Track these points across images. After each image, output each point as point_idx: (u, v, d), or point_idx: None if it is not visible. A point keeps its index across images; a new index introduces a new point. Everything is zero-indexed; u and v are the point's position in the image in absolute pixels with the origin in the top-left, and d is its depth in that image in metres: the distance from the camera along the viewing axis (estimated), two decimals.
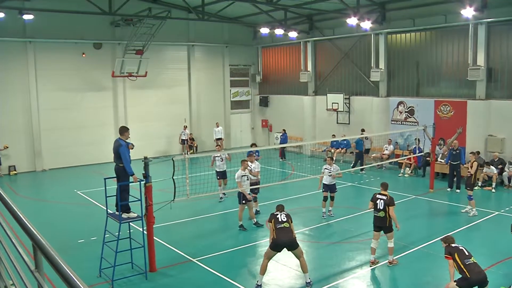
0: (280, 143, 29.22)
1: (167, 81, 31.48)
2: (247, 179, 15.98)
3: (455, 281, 9.34)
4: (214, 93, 33.75)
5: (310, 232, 15.62)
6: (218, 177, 19.45)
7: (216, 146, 19.32)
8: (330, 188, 16.98)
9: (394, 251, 12.78)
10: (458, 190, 20.66)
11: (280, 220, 11.11)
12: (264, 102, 34.87)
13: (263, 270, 11.15)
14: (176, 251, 13.73)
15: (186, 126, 31.25)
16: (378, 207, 12.37)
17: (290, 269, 12.49)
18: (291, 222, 11.23)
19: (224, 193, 19.31)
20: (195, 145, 31.74)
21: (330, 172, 16.57)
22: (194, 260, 12.99)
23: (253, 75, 35.59)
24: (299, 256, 11.25)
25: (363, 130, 25.78)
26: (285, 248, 11.04)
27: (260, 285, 11.18)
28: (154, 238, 12.34)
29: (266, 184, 18.80)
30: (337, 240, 14.77)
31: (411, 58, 25.79)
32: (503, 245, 13.60)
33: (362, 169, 24.71)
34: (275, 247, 11.00)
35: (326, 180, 16.96)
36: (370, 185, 22.27)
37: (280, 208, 11.70)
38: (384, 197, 12.43)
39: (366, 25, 24.76)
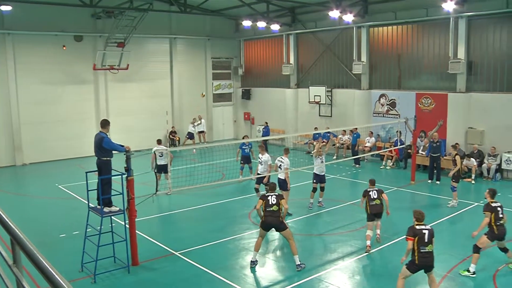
0: (262, 136, 29.22)
1: (149, 74, 31.28)
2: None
3: (406, 264, 9.77)
4: (196, 86, 33.61)
5: (292, 224, 15.66)
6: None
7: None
8: (320, 179, 17.06)
9: (375, 242, 13.23)
10: (438, 182, 20.91)
11: (270, 203, 11.70)
12: (246, 95, 34.83)
13: (257, 247, 12.00)
14: (159, 245, 13.69)
15: (195, 120, 31.22)
16: (372, 197, 13.17)
17: (273, 261, 12.55)
18: (281, 200, 11.82)
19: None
20: (178, 138, 31.61)
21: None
22: (176, 253, 12.97)
23: (235, 68, 35.52)
24: (288, 238, 11.83)
25: (355, 129, 25.83)
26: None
27: (254, 261, 11.98)
28: (136, 231, 12.30)
29: (247, 178, 18.81)
30: (319, 232, 14.85)
31: (393, 51, 25.92)
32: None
33: (357, 163, 24.85)
34: (264, 227, 11.82)
35: (317, 170, 17.06)
36: (352, 177, 22.43)
37: (272, 187, 12.37)
38: (376, 189, 13.46)
39: (348, 18, 24.81)
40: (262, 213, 11.82)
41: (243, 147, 21.05)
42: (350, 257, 12.67)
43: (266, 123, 30.99)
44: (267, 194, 12.06)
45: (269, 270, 12.06)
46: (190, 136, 29.97)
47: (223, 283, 11.16)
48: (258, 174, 16.72)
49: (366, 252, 12.84)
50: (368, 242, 12.98)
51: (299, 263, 11.72)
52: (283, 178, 16.06)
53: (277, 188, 13.52)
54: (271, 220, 11.65)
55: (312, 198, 17.11)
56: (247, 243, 14.07)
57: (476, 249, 11.28)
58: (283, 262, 12.62)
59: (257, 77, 34.62)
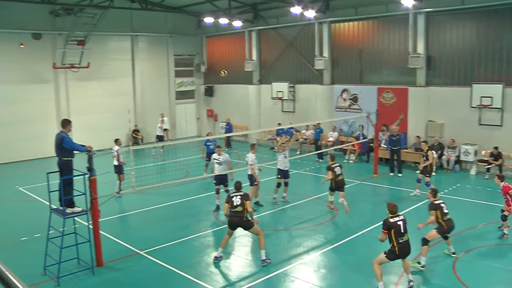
0: (225, 133, 29.16)
1: (110, 72, 30.85)
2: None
3: (385, 253, 10.06)
4: (158, 84, 33.35)
5: (258, 219, 15.74)
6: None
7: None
8: (284, 174, 17.18)
9: (339, 236, 13.56)
10: (400, 174, 21.36)
11: (234, 204, 11.86)
12: (209, 92, 34.74)
13: (223, 244, 12.18)
14: (123, 244, 13.56)
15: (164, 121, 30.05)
16: (337, 173, 15.42)
17: (239, 257, 12.59)
18: (246, 201, 11.89)
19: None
20: (140, 137, 31.33)
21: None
22: (141, 252, 12.88)
23: (197, 65, 35.36)
24: (257, 234, 12.16)
25: (318, 124, 25.99)
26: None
27: (218, 257, 12.17)
28: (100, 232, 12.15)
29: (212, 175, 18.76)
30: (284, 227, 14.95)
31: (354, 46, 26.21)
32: None
33: (320, 158, 25.01)
34: (230, 226, 12.04)
35: (281, 165, 17.19)
36: (316, 172, 22.64)
37: (238, 186, 12.47)
38: (338, 164, 15.63)
39: (310, 14, 24.95)
40: (228, 215, 12.09)
41: (208, 143, 21.01)
42: (315, 251, 12.81)
43: (228, 119, 30.98)
44: (232, 194, 12.18)
45: (235, 266, 12.11)
46: (160, 138, 29.21)
47: (189, 281, 11.15)
48: (216, 174, 16.41)
49: (330, 210, 15.70)
50: (331, 204, 15.96)
51: (264, 258, 11.83)
52: (250, 173, 16.37)
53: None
54: (236, 220, 11.85)
55: (276, 193, 17.22)
56: (212, 240, 14.10)
57: (425, 242, 11.57)
58: (249, 257, 12.67)
59: (219, 74, 34.46)
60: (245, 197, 11.99)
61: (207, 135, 22.16)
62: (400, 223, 9.97)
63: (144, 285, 11.16)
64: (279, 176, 17.27)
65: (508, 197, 13.24)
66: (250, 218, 12.06)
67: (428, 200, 12.32)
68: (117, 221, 16.12)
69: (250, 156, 16.56)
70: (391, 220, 9.98)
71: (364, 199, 18.25)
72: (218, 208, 16.42)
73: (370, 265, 11.12)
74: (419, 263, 11.50)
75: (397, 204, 10.33)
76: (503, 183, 13.41)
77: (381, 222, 10.05)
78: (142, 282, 11.27)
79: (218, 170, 16.31)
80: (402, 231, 9.94)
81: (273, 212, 16.50)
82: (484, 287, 10.52)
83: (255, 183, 16.46)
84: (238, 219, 11.82)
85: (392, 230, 9.88)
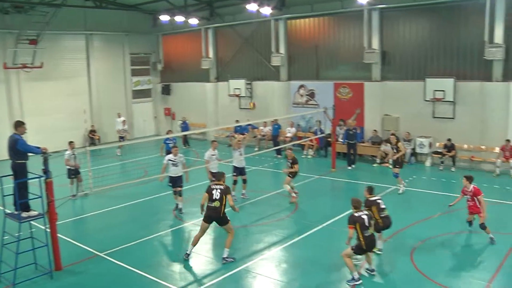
0: (182, 131, 28.92)
1: (65, 72, 30.14)
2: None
3: (352, 248, 10.27)
4: (115, 83, 32.84)
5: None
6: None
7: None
8: (239, 171, 17.22)
9: (299, 230, 13.83)
10: (353, 166, 21.87)
11: (213, 197, 11.69)
12: (166, 90, 34.44)
13: (195, 242, 12.05)
14: (83, 247, 13.30)
15: (125, 122, 29.64)
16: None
17: (199, 255, 12.54)
18: (227, 194, 11.77)
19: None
20: (97, 137, 30.82)
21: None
22: (101, 254, 12.68)
23: (154, 63, 34.99)
24: (228, 231, 11.99)
25: (276, 120, 26.02)
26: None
27: (189, 253, 12.08)
28: (58, 235, 11.89)
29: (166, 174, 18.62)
30: (244, 223, 14.94)
31: (310, 42, 26.41)
32: (400, 217, 14.37)
33: (279, 154, 25.09)
34: (205, 220, 11.80)
35: (236, 163, 17.25)
36: (274, 168, 22.75)
37: (219, 177, 12.26)
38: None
39: (266, 10, 25.00)
40: (203, 208, 11.98)
41: (167, 141, 20.88)
42: (276, 246, 12.87)
43: (185, 118, 30.77)
44: (213, 185, 12.00)
45: (196, 264, 12.03)
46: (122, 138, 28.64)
47: (151, 281, 11.05)
48: (171, 175, 15.98)
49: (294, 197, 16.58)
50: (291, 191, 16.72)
51: (226, 256, 11.84)
52: (244, 165, 17.18)
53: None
54: (213, 214, 11.70)
55: (233, 190, 17.16)
56: (173, 240, 14.03)
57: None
58: (210, 255, 12.65)
59: (176, 72, 34.26)
60: (225, 191, 11.80)
61: (167, 133, 22.03)
62: (365, 217, 10.27)
63: (105, 287, 11.01)
64: (234, 174, 17.34)
65: (476, 200, 12.73)
66: (233, 209, 12.07)
67: (379, 192, 12.52)
68: (75, 224, 15.81)
69: (207, 153, 16.81)
70: (356, 214, 10.27)
71: (323, 193, 18.47)
72: (177, 207, 16.27)
73: (331, 258, 11.30)
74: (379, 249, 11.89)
75: (361, 200, 10.67)
76: (472, 185, 12.80)
77: (341, 216, 10.22)
78: (103, 284, 11.10)
79: (173, 171, 15.90)
80: (367, 224, 10.21)
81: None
82: (440, 274, 10.77)
83: (213, 179, 16.39)
84: (215, 214, 11.67)
85: (358, 224, 10.13)
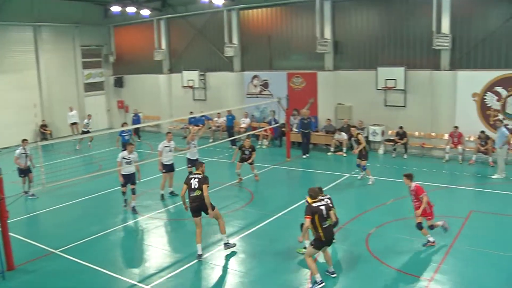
0: (133, 124, 28.00)
1: (12, 65, 29.12)
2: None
3: (311, 244, 9.98)
4: (66, 76, 32.03)
5: (173, 209, 15.70)
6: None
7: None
8: (193, 163, 17.14)
9: (255, 221, 13.87)
10: (307, 155, 22.09)
11: (192, 187, 11.63)
12: (119, 83, 33.91)
13: (199, 239, 11.72)
14: (36, 245, 12.99)
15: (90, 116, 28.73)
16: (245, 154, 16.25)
17: (157, 248, 12.49)
18: (204, 184, 11.56)
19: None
20: (49, 132, 30.13)
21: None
22: (56, 251, 12.42)
23: (106, 56, 34.36)
24: (216, 218, 11.96)
25: (229, 111, 25.93)
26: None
27: (201, 254, 11.66)
28: (10, 234, 11.57)
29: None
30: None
31: (263, 33, 26.45)
32: (354, 204, 14.67)
33: (234, 144, 25.03)
34: (193, 213, 11.73)
35: (189, 155, 17.47)
36: (230, 159, 22.71)
37: (198, 166, 12.31)
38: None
39: (219, 1, 24.96)
40: (185, 201, 11.87)
41: (123, 134, 20.66)
42: (233, 236, 12.89)
43: (136, 110, 30.34)
44: (191, 176, 11.97)
45: (154, 258, 11.97)
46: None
47: (109, 277, 10.92)
48: (123, 174, 15.42)
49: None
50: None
51: (226, 241, 12.07)
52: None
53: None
54: (196, 205, 11.61)
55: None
56: (129, 234, 13.89)
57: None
58: (167, 248, 12.62)
59: (129, 64, 33.75)
60: (203, 181, 11.65)
61: (122, 126, 21.80)
62: (323, 207, 9.88)
63: (61, 285, 10.79)
64: (189, 165, 17.36)
65: (419, 199, 11.58)
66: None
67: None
68: (27, 221, 15.42)
69: (161, 144, 16.70)
70: (314, 204, 9.88)
71: (279, 183, 18.62)
72: (125, 202, 15.81)
73: (287, 247, 11.40)
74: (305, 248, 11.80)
75: (317, 189, 10.38)
76: (414, 183, 11.69)
77: (296, 205, 10.24)
78: (59, 282, 10.89)
79: (127, 169, 15.40)
80: (325, 215, 9.82)
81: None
82: (392, 257, 11.09)
83: (164, 171, 16.60)
84: (198, 204, 11.55)
85: (316, 215, 9.71)
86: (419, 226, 11.58)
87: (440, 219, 12.03)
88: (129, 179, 15.54)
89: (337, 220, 11.12)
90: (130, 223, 14.66)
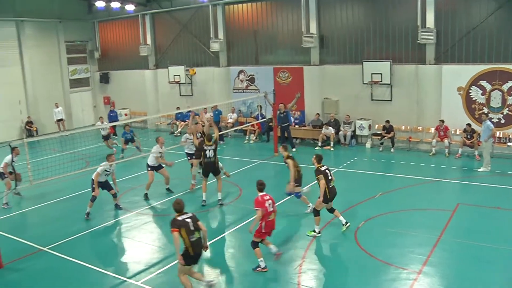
0: (111, 121, 27.06)
1: None
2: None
3: (182, 254, 9.16)
4: (50, 72, 31.76)
5: (160, 205, 15.69)
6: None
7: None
8: (191, 156, 17.52)
9: (244, 216, 13.77)
10: (294, 149, 21.95)
11: (208, 156, 14.81)
12: (104, 79, 33.71)
13: (204, 189, 15.23)
14: (24, 242, 12.93)
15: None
16: (209, 156, 15.14)
17: (146, 244, 12.49)
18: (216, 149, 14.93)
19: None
20: (35, 128, 29.90)
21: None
22: (44, 249, 12.37)
23: (91, 51, 34.12)
24: (218, 179, 15.37)
25: (216, 106, 25.85)
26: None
27: (205, 199, 15.21)
28: None
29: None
30: (189, 210, 14.88)
31: (249, 27, 26.45)
32: (343, 198, 14.71)
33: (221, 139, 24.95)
34: (205, 172, 15.25)
35: (189, 150, 17.89)
36: (218, 154, 22.71)
37: (209, 138, 14.89)
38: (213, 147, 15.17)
39: None
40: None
41: (126, 135, 21.06)
42: (222, 232, 12.96)
43: (112, 106, 30.06)
44: (206, 148, 14.77)
45: (143, 253, 11.97)
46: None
47: (99, 273, 10.93)
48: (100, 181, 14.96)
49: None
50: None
51: (220, 198, 15.22)
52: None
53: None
54: (209, 168, 14.99)
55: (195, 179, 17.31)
56: (117, 230, 13.87)
57: (316, 213, 12.18)
58: (156, 244, 12.61)
59: (114, 60, 33.58)
60: (215, 149, 14.94)
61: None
62: (189, 220, 9.18)
63: (50, 282, 10.76)
64: (189, 158, 17.83)
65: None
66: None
67: None
68: (15, 219, 15.35)
69: (155, 148, 16.45)
70: (179, 218, 9.17)
71: (266, 178, 18.48)
72: (88, 215, 14.90)
73: (274, 241, 11.38)
74: (314, 231, 12.21)
75: (182, 202, 9.43)
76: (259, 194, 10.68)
77: (284, 200, 10.19)
78: (48, 280, 10.87)
79: (104, 179, 15.06)
80: (192, 228, 9.10)
81: (179, 196, 16.36)
82: (381, 251, 11.19)
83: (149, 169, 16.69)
84: (212, 167, 14.98)
85: (183, 229, 9.01)
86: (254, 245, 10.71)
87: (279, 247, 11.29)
88: (106, 186, 15.17)
89: (335, 191, 12.23)
90: (118, 219, 14.62)
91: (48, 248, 12.40)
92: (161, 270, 10.92)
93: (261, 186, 10.61)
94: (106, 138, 23.43)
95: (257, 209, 10.24)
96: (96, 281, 10.72)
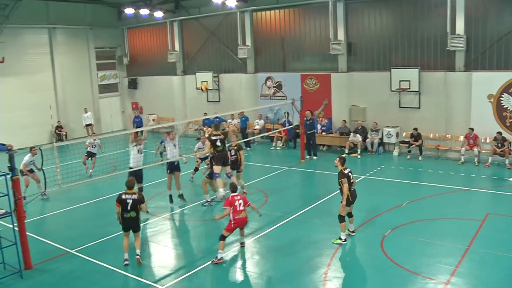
0: (136, 127, 27.82)
1: (28, 67, 29.38)
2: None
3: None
4: (80, 78, 32.27)
5: (185, 210, 15.72)
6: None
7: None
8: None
9: (270, 222, 13.86)
10: (315, 157, 22.02)
11: (217, 144, 14.78)
12: (133, 85, 34.09)
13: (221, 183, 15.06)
14: (53, 244, 13.09)
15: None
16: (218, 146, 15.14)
17: (171, 249, 12.54)
18: (225, 141, 15.06)
19: None
20: (64, 133, 30.36)
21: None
22: (72, 251, 12.52)
23: (120, 57, 34.58)
24: (226, 171, 15.24)
25: (242, 112, 25.91)
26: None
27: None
28: (27, 233, 11.69)
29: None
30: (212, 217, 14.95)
31: (276, 34, 26.47)
32: (369, 206, 14.59)
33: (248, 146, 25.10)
34: (218, 163, 14.89)
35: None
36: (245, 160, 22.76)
37: (217, 128, 15.07)
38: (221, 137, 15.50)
39: (232, 3, 24.97)
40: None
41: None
42: (248, 238, 12.85)
43: (141, 108, 30.19)
44: (214, 138, 14.72)
45: (170, 259, 12.03)
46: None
47: (126, 278, 10.98)
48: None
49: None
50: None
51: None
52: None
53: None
54: (221, 158, 14.89)
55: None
56: (144, 234, 13.91)
57: (341, 219, 12.13)
58: (179, 249, 12.64)
59: (143, 66, 33.95)
60: (224, 139, 14.98)
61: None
62: (130, 201, 11.16)
63: (77, 284, 10.85)
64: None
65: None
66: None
67: None
68: (44, 221, 15.55)
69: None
70: (123, 196, 11.23)
71: (293, 185, 18.57)
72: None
73: (301, 249, 11.34)
74: (340, 238, 12.12)
75: (133, 180, 11.92)
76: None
77: (310, 207, 10.12)
78: (75, 282, 10.95)
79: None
80: (129, 208, 11.17)
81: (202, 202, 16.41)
82: (408, 260, 10.99)
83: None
84: (224, 158, 15.01)
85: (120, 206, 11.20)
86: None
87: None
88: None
89: (356, 194, 12.25)
90: (145, 223, 14.68)
91: (75, 251, 12.54)
92: (186, 275, 10.92)
93: (233, 188, 11.98)
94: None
95: (225, 208, 11.65)
96: (122, 284, 10.81)
